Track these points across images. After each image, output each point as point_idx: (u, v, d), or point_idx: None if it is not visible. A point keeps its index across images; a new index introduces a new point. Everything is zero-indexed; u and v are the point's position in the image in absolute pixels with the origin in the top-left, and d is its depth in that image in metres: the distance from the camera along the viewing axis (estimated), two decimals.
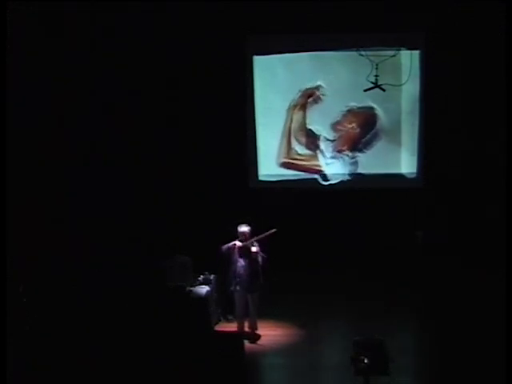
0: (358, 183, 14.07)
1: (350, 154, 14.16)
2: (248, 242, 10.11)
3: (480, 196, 13.49)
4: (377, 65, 13.15)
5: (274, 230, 10.07)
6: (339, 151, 14.20)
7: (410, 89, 13.82)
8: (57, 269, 11.05)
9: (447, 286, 12.49)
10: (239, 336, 9.57)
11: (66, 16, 12.24)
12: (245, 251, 10.13)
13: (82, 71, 12.59)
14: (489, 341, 9.62)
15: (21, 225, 10.46)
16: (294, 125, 14.24)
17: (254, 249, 10.11)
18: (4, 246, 7.59)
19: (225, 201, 13.43)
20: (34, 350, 8.80)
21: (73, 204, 12.33)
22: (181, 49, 13.48)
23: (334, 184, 14.21)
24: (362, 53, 13.39)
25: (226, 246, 10.17)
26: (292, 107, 14.19)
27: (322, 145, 14.22)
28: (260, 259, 10.16)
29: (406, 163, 14.09)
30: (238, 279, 10.16)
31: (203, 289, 10.77)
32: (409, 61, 13.69)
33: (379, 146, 14.09)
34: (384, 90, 13.19)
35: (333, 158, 14.22)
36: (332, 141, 14.20)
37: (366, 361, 6.60)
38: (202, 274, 11.05)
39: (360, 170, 14.14)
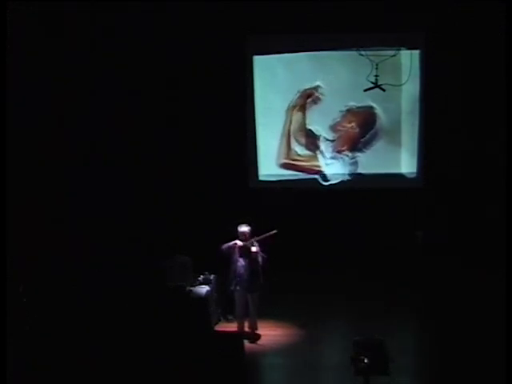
0: (357, 183, 14.07)
1: (350, 154, 14.16)
2: (248, 242, 10.12)
3: (480, 196, 13.48)
4: (377, 65, 13.14)
5: (274, 231, 10.08)
6: (339, 151, 14.19)
7: (410, 89, 13.81)
8: (57, 269, 11.05)
9: (447, 286, 12.49)
10: (239, 336, 9.56)
11: (66, 16, 12.24)
12: (245, 251, 10.13)
13: (81, 71, 12.59)
14: (489, 341, 9.62)
15: (21, 225, 10.45)
16: (294, 126, 14.24)
17: (254, 249, 10.10)
18: (4, 246, 7.58)
19: (225, 201, 13.43)
20: (34, 350, 8.80)
21: (73, 204, 12.34)
22: (181, 49, 13.48)
23: (334, 184, 14.21)
24: (362, 53, 13.38)
25: (226, 245, 10.18)
26: (291, 108, 14.19)
27: (322, 145, 14.22)
28: (260, 259, 10.16)
29: (405, 163, 14.08)
30: (238, 279, 10.16)
31: (203, 289, 10.77)
32: (409, 61, 13.69)
33: (379, 146, 14.08)
34: (384, 90, 13.19)
35: (333, 158, 14.22)
36: (332, 141, 14.20)
37: (366, 361, 6.59)
38: (202, 274, 11.05)
39: (360, 170, 14.14)
